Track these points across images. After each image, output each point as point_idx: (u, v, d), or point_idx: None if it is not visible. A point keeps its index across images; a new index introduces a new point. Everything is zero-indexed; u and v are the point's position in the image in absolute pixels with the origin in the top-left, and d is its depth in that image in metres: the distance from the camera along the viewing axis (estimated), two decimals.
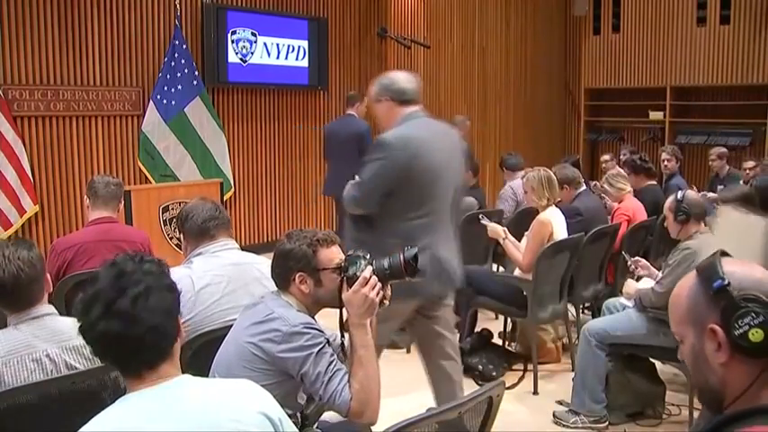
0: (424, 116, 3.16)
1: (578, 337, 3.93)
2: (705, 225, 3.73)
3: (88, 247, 3.44)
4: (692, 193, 3.79)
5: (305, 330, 2.05)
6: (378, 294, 2.05)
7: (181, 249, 2.85)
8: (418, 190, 2.90)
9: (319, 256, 2.15)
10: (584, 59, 10.95)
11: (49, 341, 2.12)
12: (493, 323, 5.10)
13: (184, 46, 6.86)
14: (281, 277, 2.19)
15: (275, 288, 2.33)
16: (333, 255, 2.17)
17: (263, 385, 1.60)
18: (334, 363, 2.04)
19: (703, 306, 1.27)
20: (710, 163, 7.28)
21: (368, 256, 2.10)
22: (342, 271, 2.10)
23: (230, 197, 7.27)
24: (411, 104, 3.10)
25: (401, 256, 2.10)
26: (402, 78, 3.15)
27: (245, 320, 2.14)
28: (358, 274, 2.06)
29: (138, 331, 1.42)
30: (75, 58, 6.35)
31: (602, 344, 3.69)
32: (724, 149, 7.27)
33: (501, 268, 5.72)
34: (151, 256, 1.56)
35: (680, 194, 3.71)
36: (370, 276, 2.05)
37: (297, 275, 2.14)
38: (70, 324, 2.15)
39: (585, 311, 5.26)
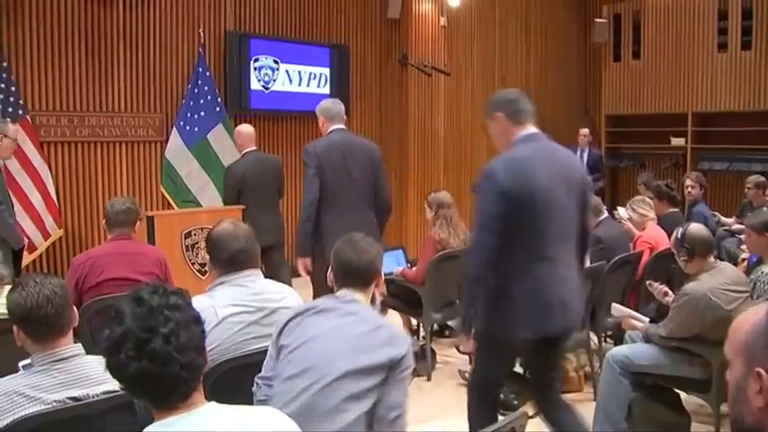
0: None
1: (601, 366, 3.88)
2: (714, 258, 3.69)
3: (104, 260, 3.59)
4: (694, 228, 3.68)
5: None
6: None
7: (202, 276, 2.86)
8: None
9: None
10: (604, 86, 10.92)
11: (76, 386, 2.08)
12: None
13: (208, 73, 6.95)
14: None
15: None
16: None
17: None
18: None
19: (760, 347, 1.24)
20: (746, 191, 7.13)
21: None
22: None
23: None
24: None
25: None
26: None
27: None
28: None
29: (172, 370, 1.42)
30: (101, 84, 6.45)
31: (625, 371, 3.64)
32: (763, 178, 7.09)
33: None
34: (172, 286, 1.56)
35: (679, 232, 3.65)
36: None
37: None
38: (101, 365, 2.14)
39: (607, 340, 5.19)
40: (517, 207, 2.75)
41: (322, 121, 4.61)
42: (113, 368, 1.45)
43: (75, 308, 2.22)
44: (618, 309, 4.02)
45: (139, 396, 1.50)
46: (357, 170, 4.34)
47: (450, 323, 5.54)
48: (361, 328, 2.24)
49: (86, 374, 2.10)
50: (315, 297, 3.26)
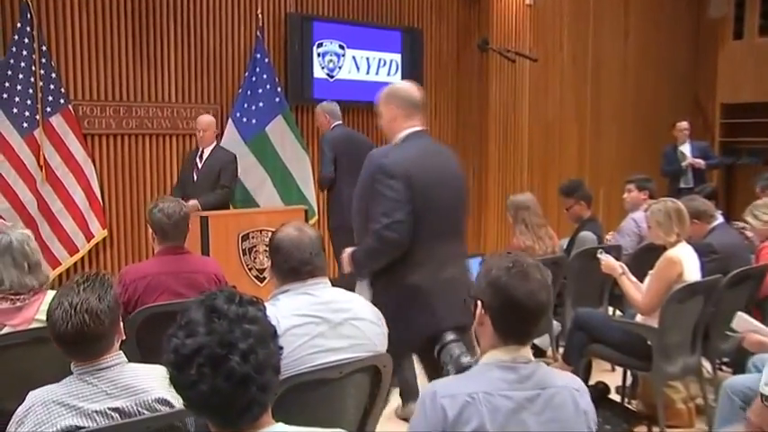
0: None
1: (716, 399, 3.74)
2: None
3: (160, 280, 3.49)
4: None
5: None
6: None
7: (260, 283, 2.87)
8: None
9: None
10: (720, 70, 10.53)
11: (119, 397, 2.09)
12: (609, 376, 4.96)
13: (266, 60, 7.01)
14: None
15: (365, 328, 2.40)
16: None
17: None
18: None
19: None
20: None
21: None
22: None
23: (313, 225, 7.33)
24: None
25: None
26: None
27: None
28: None
29: (249, 392, 1.41)
30: (150, 72, 6.58)
31: (748, 405, 3.49)
32: None
33: (618, 312, 5.57)
34: (248, 295, 1.54)
35: None
36: None
37: None
38: (144, 374, 2.16)
39: (724, 367, 5.01)
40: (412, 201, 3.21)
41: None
42: (180, 384, 1.44)
43: (122, 325, 2.22)
44: (743, 319, 3.69)
45: (205, 415, 1.48)
46: None
47: (536, 341, 5.45)
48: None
49: (129, 384, 2.12)
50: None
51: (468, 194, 3.65)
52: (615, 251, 5.26)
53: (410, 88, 3.49)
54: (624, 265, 4.43)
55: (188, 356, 1.41)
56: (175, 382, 1.45)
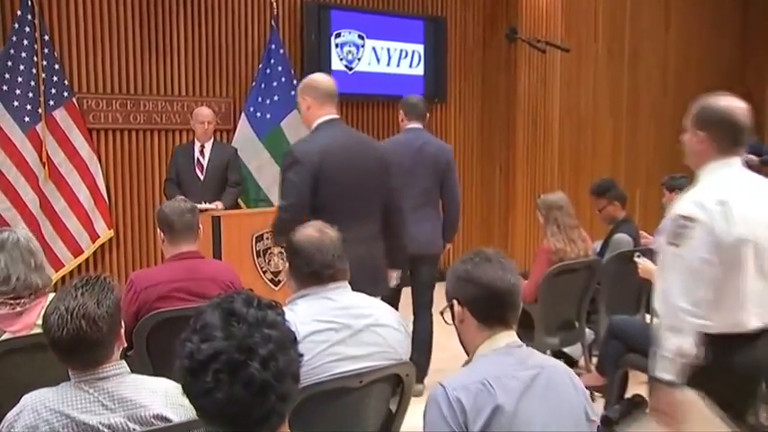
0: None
1: None
2: None
3: (175, 288, 3.44)
4: None
5: None
6: None
7: (275, 286, 2.86)
8: None
9: None
10: None
11: (115, 411, 2.08)
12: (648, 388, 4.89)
13: (281, 51, 7.03)
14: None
15: (387, 335, 2.43)
16: None
17: None
18: None
19: None
20: None
21: None
22: None
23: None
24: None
25: None
26: None
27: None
28: None
29: (268, 401, 1.40)
30: (159, 63, 6.62)
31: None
32: None
33: (657, 319, 5.51)
34: (266, 299, 1.53)
35: None
36: None
37: None
38: (145, 387, 2.16)
39: None
40: (321, 185, 3.71)
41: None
42: (194, 392, 1.42)
43: (122, 332, 2.21)
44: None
45: (218, 426, 1.45)
46: None
47: (566, 350, 5.42)
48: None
49: (126, 397, 2.11)
50: None
51: (388, 180, 4.01)
52: (654, 254, 5.22)
53: (323, 79, 3.98)
54: None
55: (204, 362, 1.39)
56: (189, 389, 1.43)
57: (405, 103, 5.21)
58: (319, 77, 4.03)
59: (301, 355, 1.51)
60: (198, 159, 6.10)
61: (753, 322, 2.68)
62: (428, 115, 5.38)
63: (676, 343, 2.55)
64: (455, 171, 5.26)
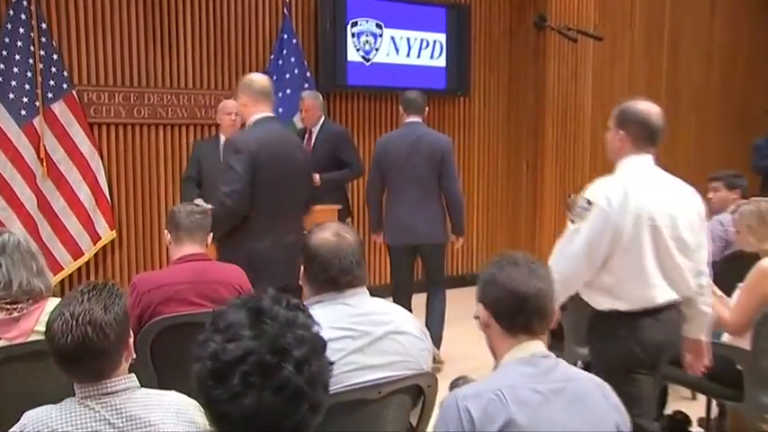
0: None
1: None
2: None
3: (177, 291, 3.45)
4: None
5: None
6: None
7: None
8: None
9: None
10: None
11: (123, 429, 2.03)
12: (690, 405, 4.86)
13: (294, 41, 7.03)
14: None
15: (407, 344, 2.51)
16: None
17: None
18: None
19: None
20: None
21: None
22: None
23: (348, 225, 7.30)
24: None
25: None
26: None
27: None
28: None
29: (300, 409, 1.37)
30: (164, 54, 6.63)
31: None
32: None
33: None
34: (294, 299, 1.50)
35: None
36: None
37: None
38: (156, 403, 2.12)
39: None
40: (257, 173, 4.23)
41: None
42: (216, 398, 1.37)
43: (131, 342, 2.18)
44: None
45: None
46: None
47: None
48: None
49: (135, 414, 2.06)
50: None
51: (309, 175, 4.79)
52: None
53: (258, 78, 4.55)
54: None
55: (231, 363, 1.35)
56: (210, 395, 1.38)
57: (403, 98, 5.82)
58: (255, 76, 4.63)
59: (332, 363, 1.46)
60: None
61: (659, 298, 3.22)
62: (427, 109, 5.93)
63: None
64: (453, 162, 5.82)
